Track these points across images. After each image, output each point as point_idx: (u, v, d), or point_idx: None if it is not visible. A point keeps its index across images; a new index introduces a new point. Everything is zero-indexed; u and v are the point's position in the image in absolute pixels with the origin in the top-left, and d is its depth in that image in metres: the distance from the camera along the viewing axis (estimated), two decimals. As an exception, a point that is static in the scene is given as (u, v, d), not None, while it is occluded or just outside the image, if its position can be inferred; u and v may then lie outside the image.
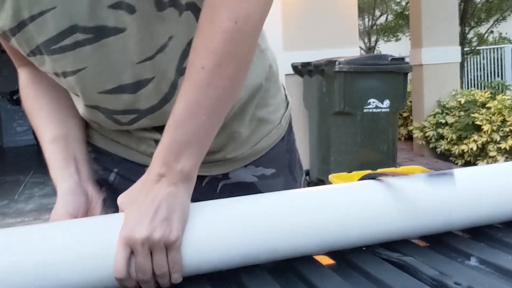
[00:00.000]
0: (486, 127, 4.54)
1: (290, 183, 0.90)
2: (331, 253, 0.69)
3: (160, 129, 0.76)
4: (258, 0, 0.62)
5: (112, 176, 0.84)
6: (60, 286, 0.56)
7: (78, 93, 0.73)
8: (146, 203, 0.59)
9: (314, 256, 0.67)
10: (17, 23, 0.65)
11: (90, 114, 0.77)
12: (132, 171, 0.82)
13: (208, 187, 0.83)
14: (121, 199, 0.63)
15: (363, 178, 0.72)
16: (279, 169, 0.88)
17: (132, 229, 0.57)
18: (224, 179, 0.84)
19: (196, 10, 0.68)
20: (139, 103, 0.72)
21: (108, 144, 0.84)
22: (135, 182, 0.73)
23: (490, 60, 8.75)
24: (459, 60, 5.51)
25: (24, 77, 0.82)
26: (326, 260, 0.67)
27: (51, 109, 0.80)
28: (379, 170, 0.70)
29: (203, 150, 0.64)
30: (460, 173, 0.73)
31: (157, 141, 0.77)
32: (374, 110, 3.48)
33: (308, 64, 3.82)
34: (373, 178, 0.70)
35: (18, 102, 7.87)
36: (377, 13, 9.60)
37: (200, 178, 0.83)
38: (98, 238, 0.59)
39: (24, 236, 0.58)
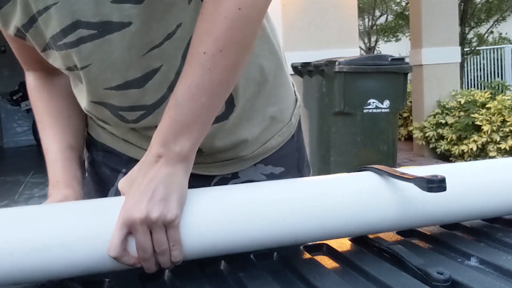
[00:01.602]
0: (486, 127, 4.54)
1: None
2: (330, 253, 0.69)
3: None
4: None
5: (120, 176, 0.84)
6: (61, 267, 0.57)
7: (85, 88, 0.73)
8: (144, 183, 0.60)
9: (313, 257, 0.67)
10: (28, 18, 0.66)
11: (96, 110, 0.77)
12: None
13: None
14: (121, 184, 0.64)
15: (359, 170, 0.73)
16: (288, 167, 0.88)
17: (130, 209, 0.58)
18: (233, 178, 0.84)
19: None
20: (146, 97, 0.72)
21: (117, 143, 0.84)
22: None
23: (490, 60, 8.75)
24: (459, 60, 5.51)
25: (33, 79, 0.83)
26: (325, 260, 0.67)
27: (66, 116, 0.81)
28: (377, 166, 0.70)
29: (202, 132, 0.65)
30: (457, 167, 0.73)
31: None
32: (374, 110, 3.48)
33: (308, 64, 3.82)
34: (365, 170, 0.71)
35: (18, 102, 7.88)
36: (377, 13, 9.60)
37: (209, 178, 0.83)
38: (98, 221, 0.59)
39: (26, 217, 0.59)
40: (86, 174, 0.92)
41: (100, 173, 0.87)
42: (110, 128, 0.83)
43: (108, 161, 0.85)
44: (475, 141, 4.66)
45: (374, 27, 9.72)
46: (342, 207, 0.65)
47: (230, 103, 0.76)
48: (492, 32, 8.33)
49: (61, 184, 0.75)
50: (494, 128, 4.52)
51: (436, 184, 0.60)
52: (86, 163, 0.91)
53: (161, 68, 0.70)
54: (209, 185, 0.82)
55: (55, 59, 0.71)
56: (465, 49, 7.10)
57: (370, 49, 9.60)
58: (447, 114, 5.11)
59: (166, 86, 0.72)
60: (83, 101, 0.78)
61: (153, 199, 0.59)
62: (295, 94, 0.91)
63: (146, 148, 0.81)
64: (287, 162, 0.88)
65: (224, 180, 0.84)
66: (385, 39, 10.17)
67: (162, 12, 0.65)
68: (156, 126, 0.77)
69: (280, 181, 0.69)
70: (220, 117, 0.76)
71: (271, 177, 0.86)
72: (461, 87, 5.85)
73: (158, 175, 0.61)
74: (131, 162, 0.82)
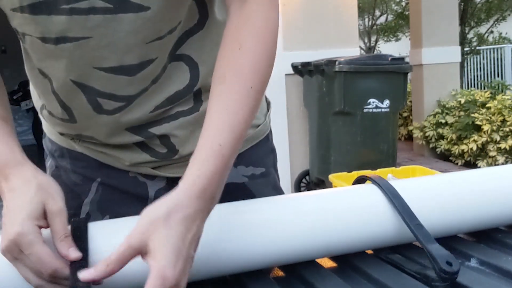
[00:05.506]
0: (486, 127, 4.54)
1: (277, 182, 0.91)
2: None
3: (135, 130, 0.74)
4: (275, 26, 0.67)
5: (94, 187, 0.80)
6: None
7: (63, 65, 0.67)
8: (185, 245, 0.53)
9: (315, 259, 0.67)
10: None
11: (68, 93, 0.71)
12: (117, 178, 0.79)
13: None
14: (145, 213, 0.55)
15: (357, 180, 0.73)
16: (267, 168, 0.88)
17: (165, 269, 0.50)
18: None
19: (200, 2, 0.70)
20: (131, 87, 0.70)
21: (85, 149, 0.80)
22: (119, 190, 0.72)
23: (490, 60, 8.74)
24: (459, 60, 5.51)
25: None
26: (327, 263, 0.67)
27: None
28: (379, 171, 0.70)
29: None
30: (460, 176, 0.73)
31: (138, 144, 0.75)
32: (374, 110, 3.48)
33: (308, 64, 3.82)
34: (365, 180, 0.71)
35: (18, 102, 7.88)
36: (377, 13, 9.59)
37: None
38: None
39: None
40: None
41: (69, 181, 0.82)
42: (66, 129, 0.78)
43: (78, 169, 0.81)
44: (475, 141, 4.65)
45: (374, 27, 9.71)
46: (340, 224, 0.65)
47: (198, 99, 0.76)
48: (492, 31, 8.33)
49: (16, 163, 0.60)
50: (494, 128, 4.51)
51: (448, 276, 0.58)
52: (47, 170, 0.85)
53: (155, 60, 0.70)
54: None
55: (32, 23, 0.63)
56: (465, 49, 7.09)
57: (370, 49, 9.60)
58: (447, 113, 5.11)
59: (151, 79, 0.71)
60: (46, 92, 0.71)
61: (185, 270, 0.52)
62: (266, 98, 0.91)
63: (118, 156, 0.77)
64: (266, 162, 0.88)
65: None
66: (385, 39, 10.16)
67: (176, 5, 0.66)
68: (125, 131, 0.74)
69: (280, 197, 0.69)
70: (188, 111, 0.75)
71: (252, 178, 0.85)
72: (461, 87, 5.85)
73: (194, 236, 0.54)
74: (103, 168, 0.79)
